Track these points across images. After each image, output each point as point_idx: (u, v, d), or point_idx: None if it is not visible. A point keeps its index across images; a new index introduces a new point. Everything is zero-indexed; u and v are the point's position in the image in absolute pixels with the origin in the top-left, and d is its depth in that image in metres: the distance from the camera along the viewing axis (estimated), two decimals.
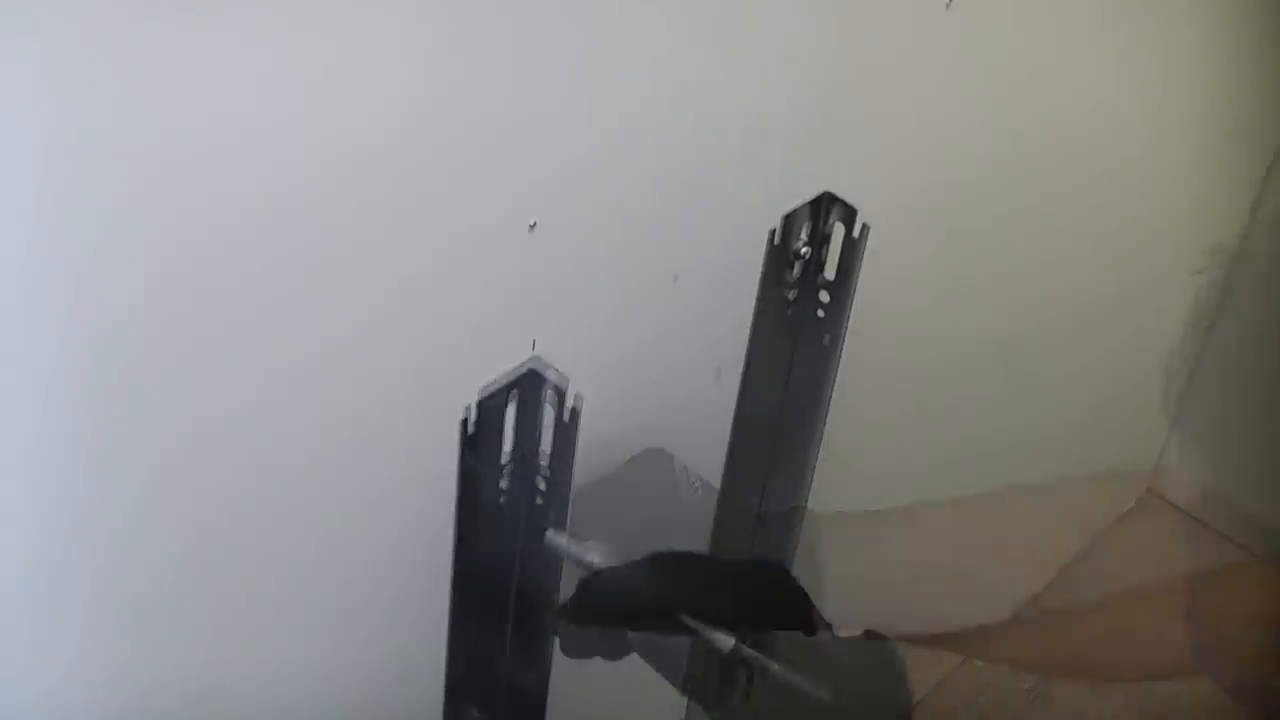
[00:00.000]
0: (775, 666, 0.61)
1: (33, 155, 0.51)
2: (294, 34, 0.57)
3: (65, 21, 0.49)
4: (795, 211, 0.76)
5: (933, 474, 1.29)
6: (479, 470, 0.66)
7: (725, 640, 0.62)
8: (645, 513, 0.82)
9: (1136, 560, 1.66)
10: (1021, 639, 0.70)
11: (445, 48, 0.63)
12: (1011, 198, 1.15)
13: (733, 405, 0.81)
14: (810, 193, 0.76)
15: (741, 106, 0.82)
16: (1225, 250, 1.56)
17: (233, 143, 0.57)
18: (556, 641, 0.73)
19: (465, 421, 0.63)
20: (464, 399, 0.63)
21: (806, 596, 0.65)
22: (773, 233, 0.76)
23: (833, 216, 0.77)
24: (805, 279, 0.79)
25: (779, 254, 0.77)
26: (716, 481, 0.85)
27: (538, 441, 0.67)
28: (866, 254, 0.76)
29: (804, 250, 0.78)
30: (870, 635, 0.67)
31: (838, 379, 0.81)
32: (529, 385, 0.65)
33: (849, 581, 0.89)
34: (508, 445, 0.66)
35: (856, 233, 0.76)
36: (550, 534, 0.68)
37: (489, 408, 0.64)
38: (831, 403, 0.83)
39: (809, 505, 0.88)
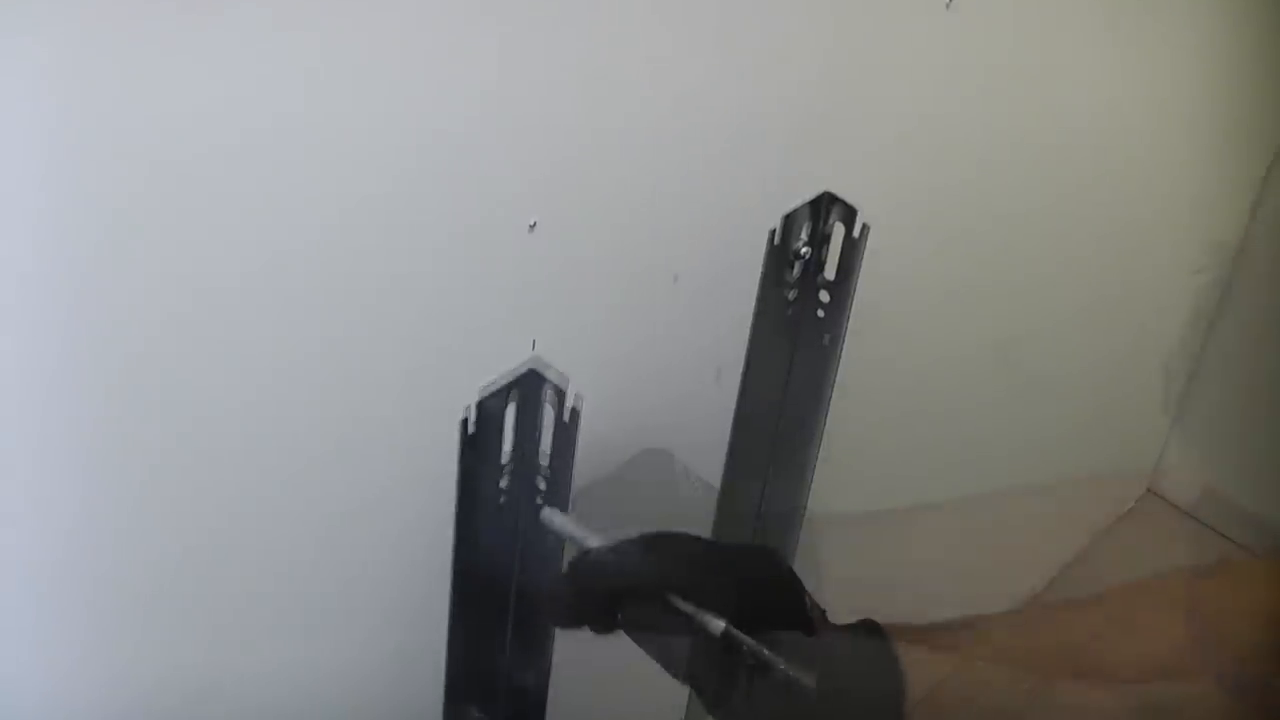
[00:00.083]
0: (765, 651, 0.61)
1: (33, 155, 0.51)
2: (294, 34, 0.57)
3: (65, 21, 0.49)
4: (795, 211, 0.76)
5: (933, 474, 1.29)
6: (479, 470, 0.66)
7: (716, 623, 0.61)
8: (645, 513, 0.82)
9: (1136, 560, 1.66)
10: (1019, 632, 0.70)
11: (445, 48, 0.63)
12: (1011, 198, 1.15)
13: (733, 405, 0.81)
14: (810, 193, 0.76)
15: (741, 106, 0.82)
16: (1226, 249, 1.56)
17: (232, 143, 0.57)
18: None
19: (465, 421, 0.63)
20: (464, 399, 0.63)
21: (799, 582, 0.65)
22: (773, 233, 0.76)
23: (833, 216, 0.77)
24: (805, 279, 0.79)
25: (779, 254, 0.77)
26: (716, 481, 0.85)
27: (538, 441, 0.67)
28: (866, 254, 0.76)
29: (804, 250, 0.78)
30: (865, 624, 0.66)
31: (838, 379, 0.81)
32: (529, 385, 0.65)
33: (848, 582, 0.89)
34: (508, 445, 0.66)
35: (856, 233, 0.76)
36: (546, 512, 0.68)
37: (489, 408, 0.64)
38: (831, 403, 0.82)
39: (809, 505, 0.88)
